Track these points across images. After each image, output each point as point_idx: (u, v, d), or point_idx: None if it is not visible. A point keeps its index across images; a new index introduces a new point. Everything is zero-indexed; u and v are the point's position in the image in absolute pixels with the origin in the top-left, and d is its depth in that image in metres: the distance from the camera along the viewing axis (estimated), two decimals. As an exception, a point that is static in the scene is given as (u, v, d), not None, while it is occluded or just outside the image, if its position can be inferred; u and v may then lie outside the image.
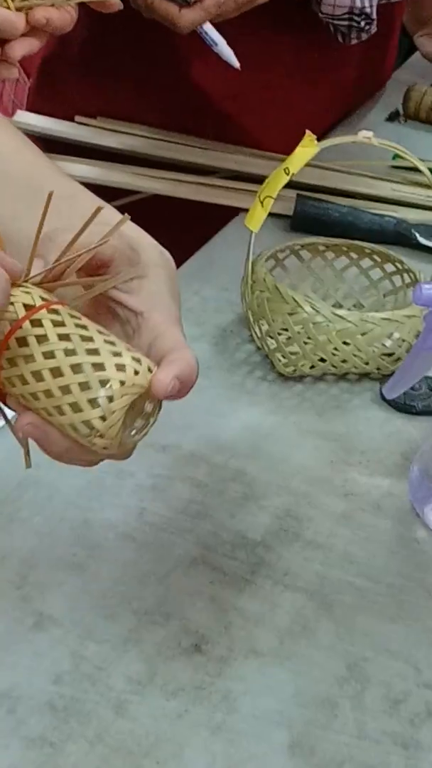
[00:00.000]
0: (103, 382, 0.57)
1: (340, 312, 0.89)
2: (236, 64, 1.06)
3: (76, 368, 0.57)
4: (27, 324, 0.58)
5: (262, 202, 0.91)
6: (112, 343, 0.59)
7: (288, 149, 1.27)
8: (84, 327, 0.59)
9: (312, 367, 0.93)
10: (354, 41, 1.22)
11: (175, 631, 0.73)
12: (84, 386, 0.57)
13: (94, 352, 0.58)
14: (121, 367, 0.58)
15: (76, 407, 0.57)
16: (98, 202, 0.68)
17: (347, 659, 0.72)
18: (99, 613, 0.73)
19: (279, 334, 0.92)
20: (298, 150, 0.89)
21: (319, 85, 1.32)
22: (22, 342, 0.58)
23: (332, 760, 0.66)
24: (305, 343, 0.91)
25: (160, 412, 0.61)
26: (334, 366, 0.93)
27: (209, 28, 1.05)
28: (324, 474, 0.85)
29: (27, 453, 0.62)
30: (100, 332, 0.59)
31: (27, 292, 0.59)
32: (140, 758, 0.65)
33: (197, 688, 0.69)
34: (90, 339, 0.58)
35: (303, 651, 0.72)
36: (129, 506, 0.81)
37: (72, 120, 1.29)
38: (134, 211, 1.23)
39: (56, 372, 0.57)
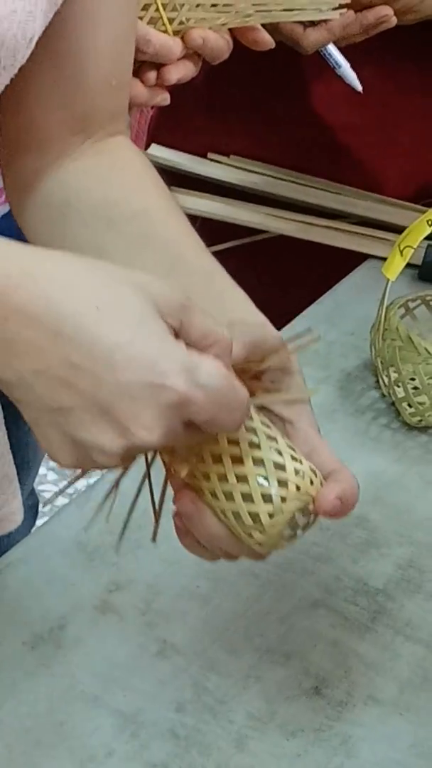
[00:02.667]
0: (281, 483, 0.59)
1: (471, 366, 0.90)
2: (359, 87, 1.06)
3: (258, 462, 0.59)
4: None
5: (401, 252, 0.91)
6: (292, 448, 0.61)
7: (411, 193, 1.28)
8: (268, 426, 0.61)
9: (438, 418, 0.93)
10: None
11: (296, 671, 0.73)
12: (262, 480, 0.59)
13: (277, 451, 0.60)
14: (299, 473, 0.60)
15: (247, 497, 0.59)
16: (232, 282, 0.70)
17: (467, 715, 0.72)
18: (221, 647, 0.74)
19: (407, 383, 0.93)
20: (443, 203, 0.90)
21: None
22: None
23: None
24: (434, 394, 0.91)
25: (310, 528, 0.62)
26: (461, 419, 0.93)
27: (333, 50, 1.05)
28: (448, 527, 0.85)
29: (157, 521, 0.65)
30: (281, 435, 0.61)
31: None
32: (260, 795, 0.66)
33: (317, 731, 0.70)
34: (274, 438, 0.60)
35: (423, 703, 0.72)
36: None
37: (196, 153, 1.30)
38: (262, 250, 1.25)
39: (237, 460, 0.59)
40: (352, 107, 1.19)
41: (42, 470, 1.98)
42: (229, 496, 0.59)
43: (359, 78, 1.07)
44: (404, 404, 0.94)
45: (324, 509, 0.60)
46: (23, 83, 0.72)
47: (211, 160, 1.29)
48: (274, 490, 0.59)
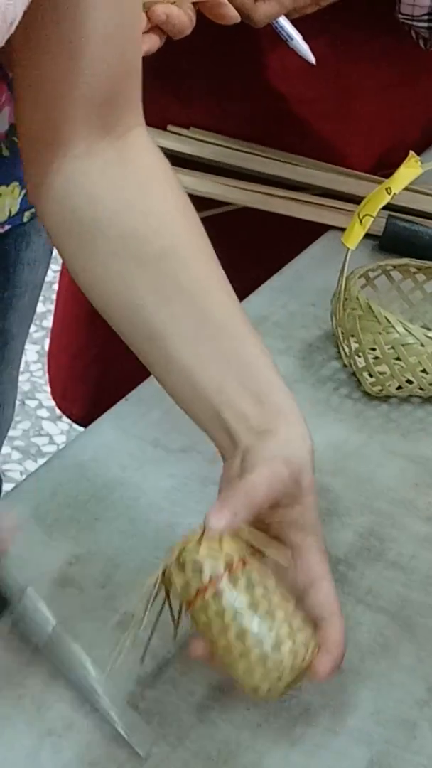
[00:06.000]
0: (278, 652, 0.63)
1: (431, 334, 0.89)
2: (312, 59, 1.05)
3: (259, 636, 0.63)
4: (226, 578, 0.64)
5: (361, 220, 0.91)
6: (292, 614, 0.65)
7: (370, 164, 1.28)
8: (274, 591, 0.65)
9: (399, 387, 0.93)
10: None
11: (257, 641, 0.73)
12: (263, 655, 0.63)
13: (279, 624, 0.64)
14: (299, 645, 0.64)
15: (248, 669, 0.64)
16: (260, 348, 0.73)
17: (428, 682, 0.72)
18: (181, 618, 0.73)
19: (368, 352, 0.92)
20: (402, 170, 0.89)
21: (401, 94, 1.29)
22: (219, 594, 0.64)
23: (412, 781, 0.66)
24: (394, 363, 0.91)
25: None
26: (422, 388, 0.93)
27: (284, 23, 1.04)
28: (408, 496, 0.85)
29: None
30: (284, 598, 0.65)
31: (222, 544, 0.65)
32: (220, 764, 0.65)
33: (277, 700, 0.69)
34: (277, 608, 0.64)
35: (383, 671, 0.72)
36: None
37: (155, 125, 1.29)
38: (224, 222, 1.24)
39: (240, 633, 0.63)
40: (308, 79, 1.18)
41: (6, 450, 1.98)
42: (233, 661, 0.64)
43: (312, 50, 1.06)
44: (365, 374, 0.94)
45: (318, 678, 0.66)
46: (42, 78, 0.71)
47: (171, 132, 1.28)
48: (276, 665, 0.63)
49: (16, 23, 0.65)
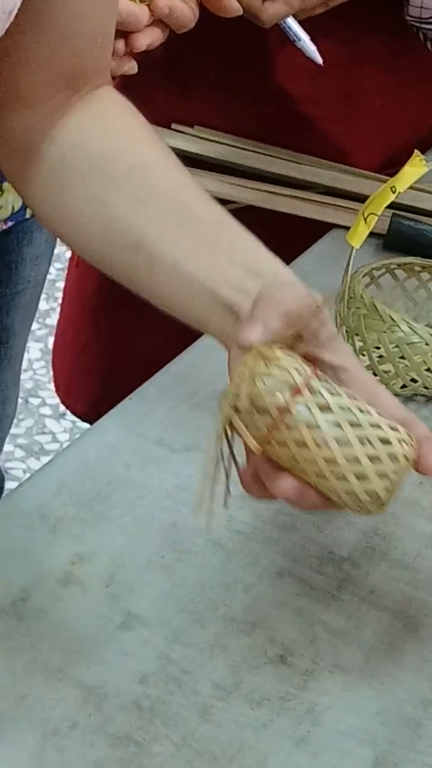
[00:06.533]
0: (392, 456, 0.61)
1: (436, 333, 0.89)
2: (319, 60, 1.05)
3: (364, 440, 0.60)
4: (306, 391, 0.61)
5: (365, 219, 0.91)
6: (381, 415, 0.62)
7: (376, 164, 1.27)
8: (354, 397, 0.62)
9: (403, 386, 0.93)
10: None
11: (261, 640, 0.73)
12: (374, 459, 0.60)
13: (376, 425, 0.61)
14: (402, 442, 0.61)
15: (362, 476, 0.60)
16: (241, 230, 0.71)
17: (433, 682, 0.72)
18: (186, 617, 0.73)
19: (372, 351, 0.92)
20: (407, 169, 0.89)
21: (409, 96, 1.29)
22: (306, 407, 0.61)
23: (416, 781, 0.66)
24: (399, 362, 0.91)
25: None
26: (426, 387, 0.92)
27: (292, 23, 1.04)
28: (413, 495, 0.85)
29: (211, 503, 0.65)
30: (368, 405, 0.62)
31: (288, 356, 0.62)
32: (225, 764, 0.65)
33: (282, 699, 0.69)
34: (366, 411, 0.61)
35: (388, 670, 0.72)
36: (217, 513, 0.81)
37: (159, 124, 1.29)
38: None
39: (343, 442, 0.60)
40: (315, 79, 1.18)
41: (9, 447, 1.98)
42: (342, 478, 0.60)
43: (319, 50, 1.06)
44: (369, 373, 0.93)
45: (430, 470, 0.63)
46: (4, 45, 0.70)
47: (175, 130, 1.28)
48: (388, 467, 0.60)
49: (15, 12, 0.64)
